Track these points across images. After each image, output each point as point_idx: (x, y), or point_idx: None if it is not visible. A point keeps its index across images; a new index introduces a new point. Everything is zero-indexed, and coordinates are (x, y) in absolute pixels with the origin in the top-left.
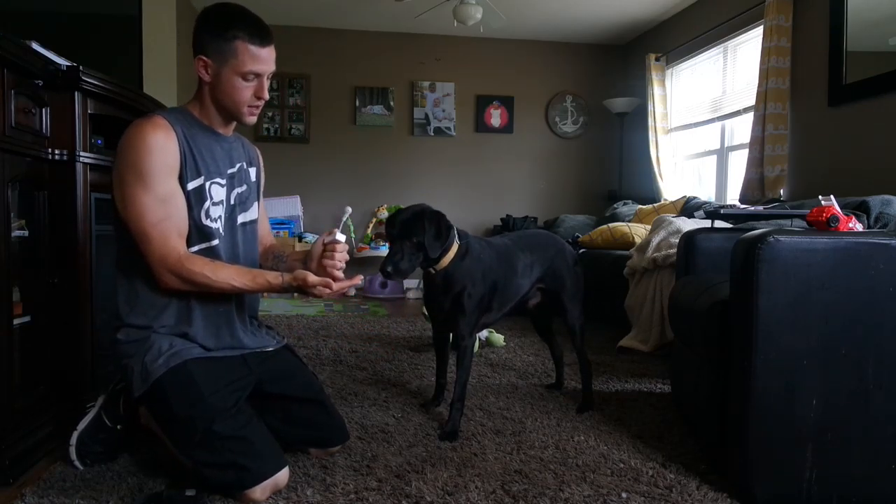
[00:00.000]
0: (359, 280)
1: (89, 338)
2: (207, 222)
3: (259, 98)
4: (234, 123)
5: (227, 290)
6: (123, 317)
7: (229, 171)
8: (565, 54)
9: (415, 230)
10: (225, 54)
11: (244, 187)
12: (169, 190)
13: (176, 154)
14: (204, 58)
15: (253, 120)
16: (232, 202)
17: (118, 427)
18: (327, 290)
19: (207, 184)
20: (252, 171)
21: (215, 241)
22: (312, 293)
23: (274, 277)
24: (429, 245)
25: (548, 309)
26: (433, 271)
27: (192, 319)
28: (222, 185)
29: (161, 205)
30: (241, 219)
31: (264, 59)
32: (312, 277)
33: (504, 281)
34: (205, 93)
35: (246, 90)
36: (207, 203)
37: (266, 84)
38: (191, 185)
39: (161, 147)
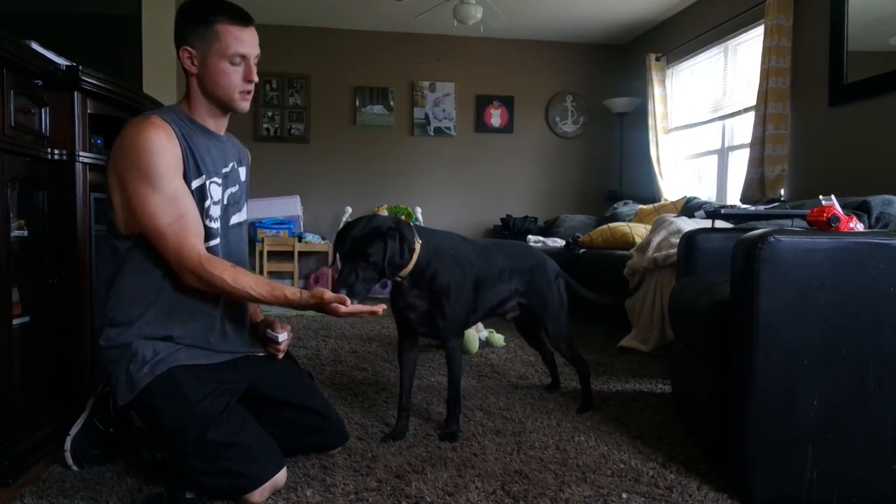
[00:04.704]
0: (380, 309)
1: (89, 338)
2: (208, 222)
3: (249, 81)
4: (226, 121)
5: (243, 298)
6: (107, 312)
7: (223, 171)
8: (565, 54)
9: (370, 250)
10: (208, 40)
11: (236, 187)
12: (177, 189)
13: (178, 154)
14: (188, 48)
15: (246, 106)
16: (226, 202)
17: (110, 430)
18: (342, 309)
19: (208, 182)
20: (242, 171)
21: (214, 241)
22: (328, 311)
23: (292, 293)
24: (389, 269)
25: (530, 321)
26: (399, 279)
27: (178, 320)
28: (219, 185)
29: (172, 204)
30: (234, 219)
31: (248, 40)
32: (328, 294)
33: (485, 277)
34: (194, 86)
35: (234, 74)
36: (208, 202)
37: (254, 67)
38: (194, 185)
39: (164, 147)
